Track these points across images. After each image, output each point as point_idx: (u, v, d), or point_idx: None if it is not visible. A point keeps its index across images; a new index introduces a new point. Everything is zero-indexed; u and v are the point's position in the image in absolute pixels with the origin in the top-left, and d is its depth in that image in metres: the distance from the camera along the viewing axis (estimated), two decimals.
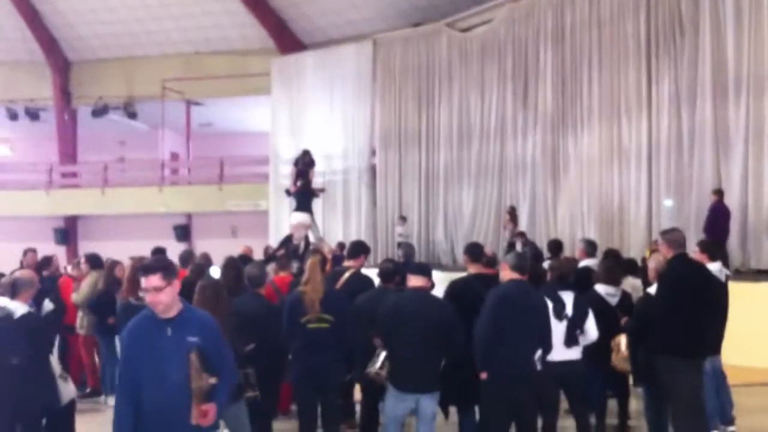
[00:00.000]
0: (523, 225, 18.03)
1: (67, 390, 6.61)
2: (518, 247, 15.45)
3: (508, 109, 19.19)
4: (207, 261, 9.34)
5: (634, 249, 14.80)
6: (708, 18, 14.28)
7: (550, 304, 6.50)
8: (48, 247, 22.32)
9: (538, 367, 5.98)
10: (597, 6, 16.82)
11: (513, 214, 17.86)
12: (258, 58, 24.64)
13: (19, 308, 6.05)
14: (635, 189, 15.85)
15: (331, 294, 6.32)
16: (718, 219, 13.23)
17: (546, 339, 6.13)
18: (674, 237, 6.31)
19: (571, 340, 6.59)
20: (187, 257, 9.55)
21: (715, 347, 7.14)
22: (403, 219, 20.70)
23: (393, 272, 6.75)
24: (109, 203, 26.19)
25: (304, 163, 15.71)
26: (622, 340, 7.16)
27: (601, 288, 7.61)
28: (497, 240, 18.90)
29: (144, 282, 4.19)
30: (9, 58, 26.59)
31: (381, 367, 6.16)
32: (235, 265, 7.47)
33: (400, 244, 9.64)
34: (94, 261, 9.70)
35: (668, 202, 15.19)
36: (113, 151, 28.89)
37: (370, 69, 22.31)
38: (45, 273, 10.46)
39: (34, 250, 11.19)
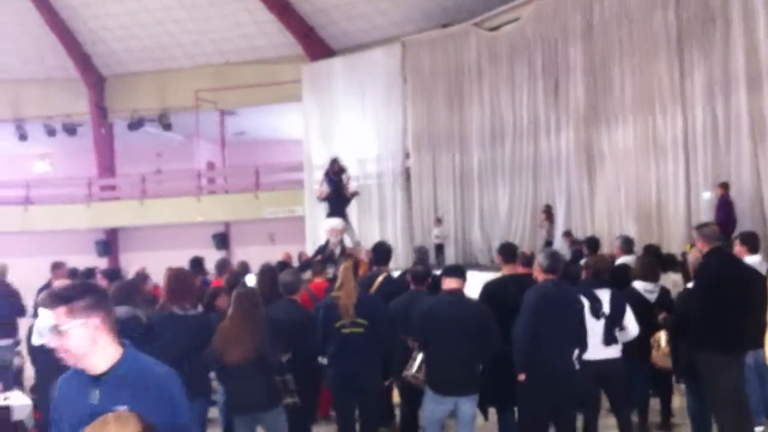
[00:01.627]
0: (559, 222, 17.93)
1: None
2: (565, 246, 15.37)
3: (539, 107, 19.09)
4: (244, 269, 9.41)
5: (674, 243, 14.61)
6: (738, 7, 14.09)
7: (586, 303, 6.46)
8: (90, 260, 22.69)
9: (576, 366, 5.95)
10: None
11: (549, 212, 17.77)
12: (288, 65, 24.75)
13: None
14: (672, 182, 15.66)
15: (364, 298, 6.35)
16: (724, 211, 13.47)
17: (582, 338, 6.10)
18: (709, 231, 6.24)
19: (609, 338, 6.54)
20: (222, 266, 9.62)
21: (756, 341, 7.00)
22: (439, 220, 20.68)
23: (425, 275, 6.77)
24: (148, 214, 26.42)
25: (334, 172, 15.76)
26: (662, 336, 7.11)
27: (639, 284, 7.56)
28: (534, 239, 18.80)
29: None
30: (44, 76, 27.00)
31: (418, 371, 6.19)
32: (270, 273, 7.53)
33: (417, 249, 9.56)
34: (111, 275, 9.71)
35: (706, 195, 14.99)
36: (150, 162, 29.17)
37: (400, 72, 22.32)
38: None
39: (63, 264, 11.21)
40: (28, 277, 12.86)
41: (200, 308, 6.64)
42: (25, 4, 24.46)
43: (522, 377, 5.91)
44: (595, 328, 6.45)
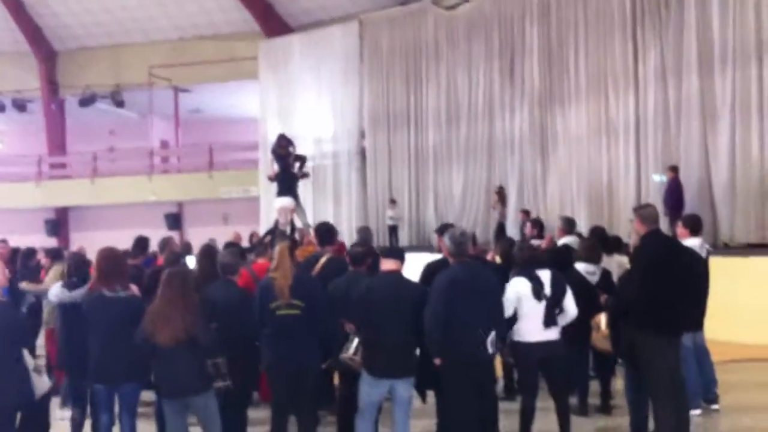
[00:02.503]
0: (511, 204, 17.95)
1: (41, 383, 6.52)
2: (527, 227, 15.32)
3: (495, 87, 19.08)
4: (186, 249, 9.22)
5: (624, 225, 14.69)
6: None
7: (528, 284, 6.40)
8: (39, 239, 22.29)
9: (491, 350, 5.89)
10: None
11: (501, 194, 17.77)
12: (245, 42, 24.42)
13: None
14: (624, 164, 15.78)
15: (301, 279, 6.18)
16: (674, 194, 13.74)
17: (499, 321, 6.04)
18: (647, 213, 6.19)
19: (550, 320, 6.48)
20: (164, 245, 9.40)
21: (695, 324, 7.03)
22: (393, 202, 20.60)
23: (363, 255, 6.64)
24: (100, 193, 26.07)
25: (280, 147, 15.49)
26: (603, 318, 7.08)
27: (580, 266, 7.54)
28: (488, 220, 18.83)
29: None
30: None
31: (355, 353, 6.09)
32: (210, 253, 7.36)
33: (359, 229, 9.41)
34: (54, 253, 9.58)
35: (657, 177, 15.08)
36: (103, 140, 28.72)
37: (357, 50, 22.13)
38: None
39: (4, 241, 10.97)
40: None
41: (134, 289, 6.43)
42: None
43: (438, 362, 5.85)
44: (536, 310, 6.40)
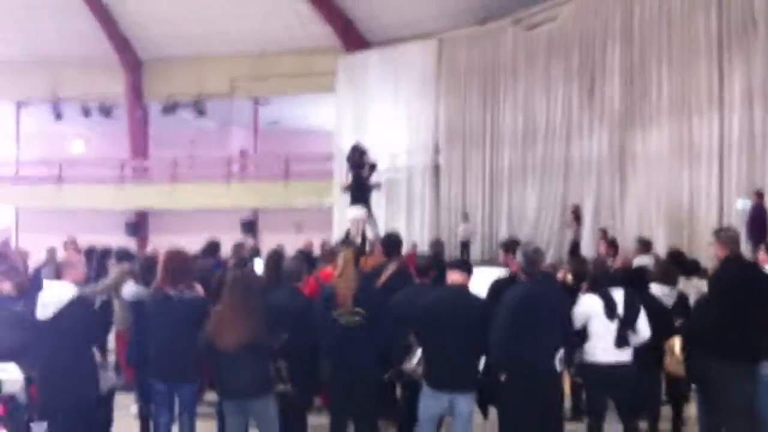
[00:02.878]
0: (587, 224, 17.60)
1: (106, 379, 6.61)
2: (601, 246, 14.97)
3: (574, 107, 18.79)
4: (255, 253, 9.27)
5: (704, 251, 14.21)
6: None
7: (600, 303, 6.22)
8: (119, 240, 22.82)
9: (559, 368, 5.72)
10: (667, 1, 16.26)
11: (577, 212, 17.43)
12: (324, 56, 24.70)
13: (67, 291, 6.01)
14: (705, 189, 15.28)
15: (364, 288, 6.14)
16: (758, 219, 13.32)
17: (567, 338, 5.87)
18: (728, 236, 5.96)
19: (622, 341, 6.26)
20: (237, 249, 9.49)
21: None
22: (466, 217, 20.44)
23: (428, 267, 6.55)
24: (179, 198, 26.59)
25: (354, 158, 15.55)
26: (677, 342, 6.83)
27: (656, 288, 7.28)
28: (561, 240, 18.53)
29: None
30: (83, 56, 27.16)
31: (417, 365, 6.00)
32: (275, 259, 7.38)
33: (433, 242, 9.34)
34: (122, 254, 9.70)
35: (742, 203, 14.55)
36: (184, 148, 29.24)
37: (435, 67, 22.16)
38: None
39: (74, 242, 11.18)
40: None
41: (200, 290, 6.47)
42: None
43: (503, 377, 5.70)
44: (607, 329, 6.21)
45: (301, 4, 23.82)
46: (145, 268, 7.43)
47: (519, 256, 6.10)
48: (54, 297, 5.83)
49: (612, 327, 6.22)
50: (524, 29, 20.32)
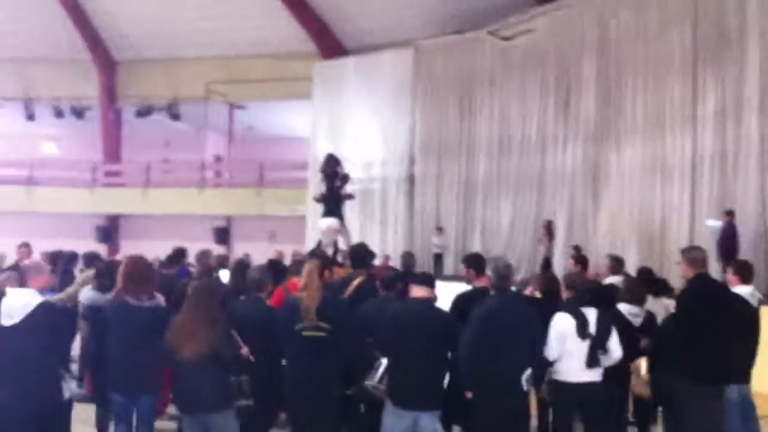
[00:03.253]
0: (559, 239, 17.59)
1: (67, 388, 6.45)
2: (570, 263, 14.95)
3: (549, 120, 18.79)
4: (221, 262, 9.14)
5: (676, 268, 14.25)
6: (756, 29, 13.78)
7: (572, 322, 6.14)
8: (89, 245, 22.50)
9: (525, 387, 5.64)
10: (642, 17, 16.36)
11: (549, 228, 17.42)
12: (300, 62, 24.53)
13: (34, 298, 5.86)
14: (678, 205, 15.34)
15: (329, 301, 6.01)
16: (729, 239, 13.33)
17: (536, 357, 5.79)
18: (695, 256, 5.92)
19: (593, 361, 6.18)
20: (200, 257, 9.33)
21: (741, 375, 6.67)
22: (440, 229, 20.39)
23: (394, 280, 6.46)
24: (151, 203, 26.29)
25: (328, 166, 15.45)
26: (643, 363, 6.78)
27: (624, 307, 7.20)
28: (534, 254, 18.50)
29: None
30: (55, 57, 26.81)
31: (380, 381, 5.89)
32: (241, 268, 7.28)
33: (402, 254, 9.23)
34: (89, 258, 9.52)
35: (711, 222, 14.61)
36: (158, 151, 28.99)
37: (411, 76, 22.06)
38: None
39: (27, 245, 10.97)
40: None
41: (160, 299, 6.31)
42: None
43: (469, 395, 5.62)
44: (579, 348, 6.13)
45: (276, 8, 23.64)
46: (104, 273, 7.27)
47: (490, 272, 6.03)
48: (20, 303, 5.67)
49: (583, 346, 6.15)
50: (501, 39, 20.31)
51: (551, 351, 6.08)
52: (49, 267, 7.05)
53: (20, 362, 5.59)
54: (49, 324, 5.73)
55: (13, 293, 5.83)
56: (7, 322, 5.63)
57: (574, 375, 6.13)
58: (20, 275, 6.08)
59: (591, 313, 6.27)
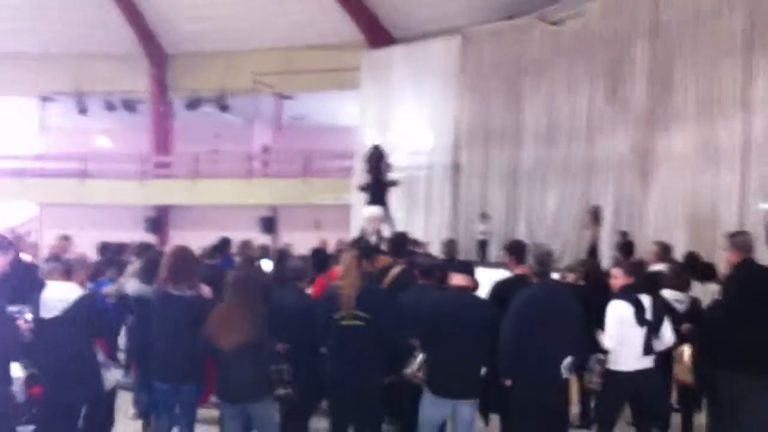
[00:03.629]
0: (607, 225, 17.33)
1: (110, 377, 6.57)
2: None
3: (597, 106, 18.46)
4: (263, 252, 9.21)
5: (723, 254, 13.95)
6: None
7: (631, 309, 6.06)
8: (139, 236, 22.90)
9: (565, 375, 5.58)
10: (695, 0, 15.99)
11: (596, 214, 17.13)
12: (348, 52, 24.55)
13: (74, 291, 5.99)
14: (728, 191, 14.97)
15: (368, 290, 6.03)
16: None
17: (578, 344, 5.72)
18: (740, 240, 5.80)
19: (648, 347, 6.14)
20: (242, 248, 9.43)
21: None
22: (485, 216, 20.26)
23: (432, 268, 6.43)
24: (199, 194, 26.57)
25: (375, 158, 15.41)
26: (686, 350, 6.68)
27: (668, 293, 7.12)
28: (580, 240, 18.24)
29: None
30: (107, 51, 27.24)
31: (418, 369, 5.89)
32: (283, 258, 7.32)
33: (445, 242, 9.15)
34: (141, 249, 9.58)
35: (765, 205, 14.27)
36: (208, 143, 29.27)
37: (458, 63, 21.89)
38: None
39: (67, 238, 11.12)
40: (79, 250, 12.92)
41: (205, 289, 6.36)
42: None
43: (508, 382, 5.58)
44: (635, 336, 6.07)
45: None
46: (149, 265, 7.38)
47: (530, 259, 5.99)
48: (61, 296, 5.79)
49: (640, 333, 6.09)
50: (550, 24, 20.04)
51: (611, 339, 6.02)
52: (96, 259, 7.19)
53: (61, 354, 5.71)
54: (90, 316, 5.85)
55: (53, 286, 5.96)
56: (48, 314, 5.76)
57: (630, 363, 6.07)
58: (65, 269, 6.20)
59: (646, 300, 6.20)
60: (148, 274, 7.13)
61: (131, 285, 7.51)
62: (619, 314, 6.07)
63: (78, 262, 6.50)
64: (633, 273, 6.37)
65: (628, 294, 6.19)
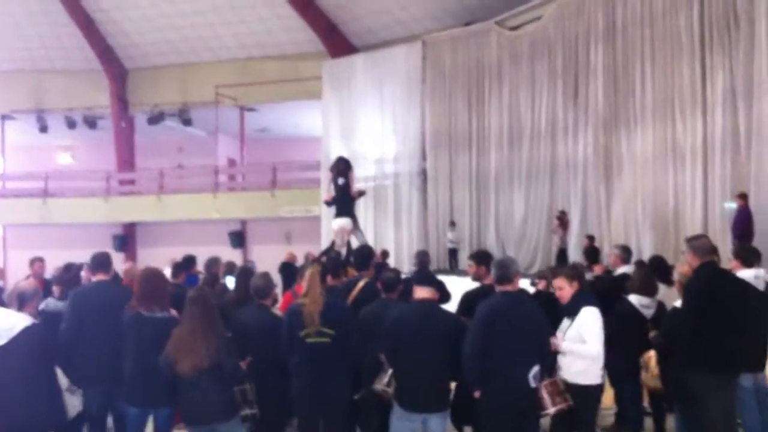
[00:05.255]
0: (574, 229, 17.46)
1: (74, 403, 6.44)
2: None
3: (558, 109, 18.63)
4: (228, 270, 9.10)
5: (682, 257, 14.06)
6: (764, 8, 13.54)
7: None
8: None
9: (533, 384, 5.55)
10: (649, 0, 16.15)
11: (563, 218, 17.27)
12: (309, 62, 24.58)
13: (22, 321, 5.86)
14: (690, 190, 15.14)
15: (332, 306, 5.95)
16: (743, 223, 13.04)
17: (544, 353, 5.70)
18: (700, 244, 5.81)
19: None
20: (210, 265, 9.31)
21: (755, 362, 6.56)
22: (453, 224, 20.30)
23: (395, 282, 6.37)
24: (166, 209, 26.33)
25: (338, 169, 15.30)
26: (653, 356, 6.69)
27: (634, 298, 7.10)
28: (549, 245, 18.37)
29: None
30: (66, 67, 27.09)
31: (387, 384, 5.83)
32: (245, 276, 7.23)
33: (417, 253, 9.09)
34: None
35: (728, 204, 14.42)
36: (172, 157, 29.13)
37: (420, 70, 21.99)
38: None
39: (41, 259, 10.97)
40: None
41: (173, 312, 6.27)
42: None
43: (477, 394, 5.55)
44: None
45: (284, 9, 23.70)
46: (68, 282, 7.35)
47: (492, 268, 5.93)
48: (7, 325, 5.66)
49: None
50: (508, 30, 20.18)
51: (599, 345, 5.89)
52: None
53: (10, 384, 5.57)
54: (38, 345, 5.70)
55: (2, 315, 5.83)
56: None
57: (596, 375, 6.00)
58: (19, 299, 6.05)
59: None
60: (65, 290, 7.08)
61: (50, 302, 7.50)
62: (600, 320, 5.97)
63: (33, 293, 6.34)
64: (576, 278, 6.30)
65: (592, 298, 6.15)
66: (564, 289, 6.10)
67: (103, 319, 6.33)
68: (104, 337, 6.26)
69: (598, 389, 6.04)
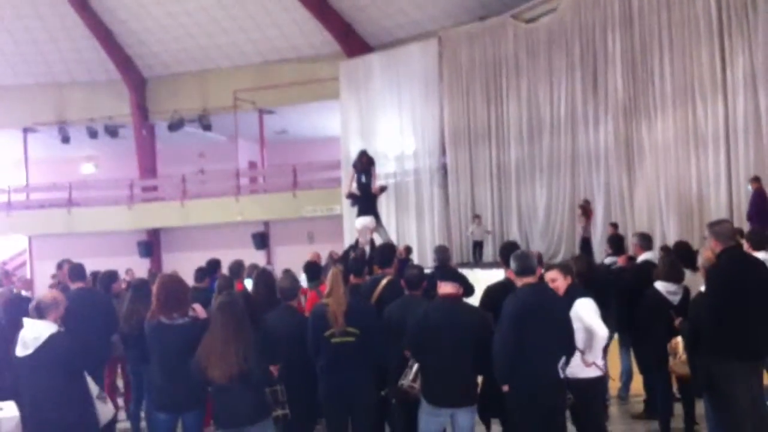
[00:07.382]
0: (598, 218, 17.36)
1: (105, 411, 6.49)
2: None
3: (578, 99, 18.53)
4: (249, 273, 9.13)
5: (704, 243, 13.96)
6: None
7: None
8: (132, 261, 22.86)
9: (561, 375, 5.54)
10: None
11: (586, 208, 17.16)
12: (326, 63, 24.64)
13: (47, 329, 5.92)
14: (714, 175, 15.05)
15: (356, 305, 5.98)
16: (757, 206, 13.03)
17: (569, 345, 5.69)
18: (722, 229, 5.75)
19: None
20: (236, 269, 9.35)
21: None
22: (477, 217, 20.24)
23: (419, 278, 6.36)
24: (189, 215, 26.53)
25: (362, 164, 15.32)
26: (680, 342, 6.66)
27: (660, 285, 7.07)
28: (573, 235, 18.29)
29: None
30: (86, 79, 27.40)
31: (414, 380, 5.84)
32: (264, 279, 7.25)
33: (436, 248, 9.08)
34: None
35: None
36: (193, 163, 29.28)
37: (437, 66, 21.95)
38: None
39: (69, 262, 11.00)
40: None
41: (200, 311, 6.28)
42: (66, 8, 24.74)
43: (506, 388, 5.54)
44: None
45: (300, 12, 23.78)
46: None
47: (511, 262, 5.91)
48: (34, 334, 5.73)
49: None
50: (524, 22, 20.10)
51: (604, 329, 5.91)
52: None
53: (38, 393, 5.64)
54: (65, 352, 5.75)
55: (28, 325, 5.89)
56: (22, 353, 5.71)
57: (595, 367, 6.02)
58: (38, 309, 6.09)
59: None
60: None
61: None
62: (596, 308, 5.99)
63: (53, 303, 6.36)
64: (570, 273, 6.30)
65: (586, 291, 6.14)
66: (557, 281, 6.11)
67: (86, 320, 7.21)
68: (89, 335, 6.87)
69: (599, 382, 6.06)
